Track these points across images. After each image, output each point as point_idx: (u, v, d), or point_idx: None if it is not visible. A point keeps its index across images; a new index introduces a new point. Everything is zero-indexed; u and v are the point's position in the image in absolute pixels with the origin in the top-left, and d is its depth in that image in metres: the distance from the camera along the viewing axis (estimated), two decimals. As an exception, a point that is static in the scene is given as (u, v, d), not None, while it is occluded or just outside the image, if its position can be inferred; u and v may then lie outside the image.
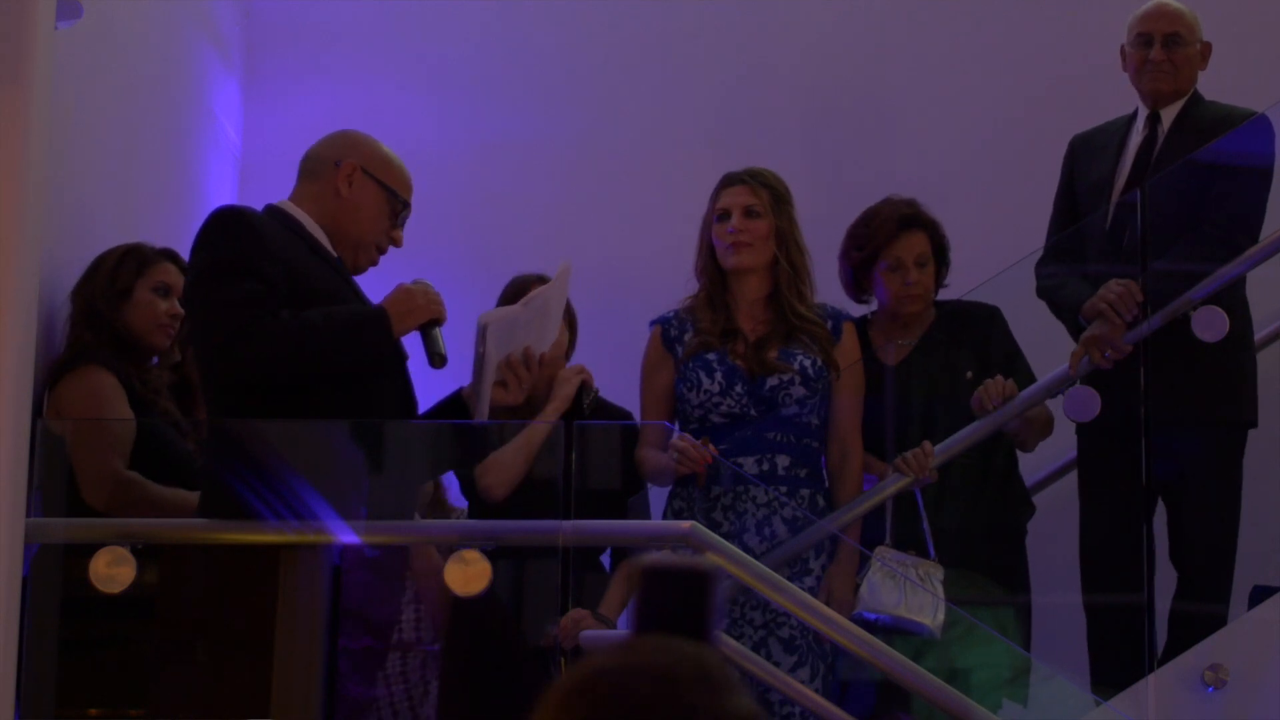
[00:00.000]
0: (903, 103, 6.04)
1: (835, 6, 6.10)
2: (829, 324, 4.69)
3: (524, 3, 6.13)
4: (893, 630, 4.40)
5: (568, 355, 4.74)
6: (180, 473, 4.25)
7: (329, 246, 3.98)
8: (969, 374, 4.75)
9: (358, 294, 4.00)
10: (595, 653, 1.69)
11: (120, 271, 4.40)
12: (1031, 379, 4.73)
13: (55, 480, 4.01)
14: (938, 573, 4.48)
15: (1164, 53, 4.89)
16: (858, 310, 4.94)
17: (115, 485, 4.18)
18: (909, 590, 4.43)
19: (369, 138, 4.11)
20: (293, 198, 4.04)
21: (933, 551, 4.53)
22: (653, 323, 4.76)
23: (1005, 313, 4.85)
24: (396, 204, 4.03)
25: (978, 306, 4.86)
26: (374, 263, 4.07)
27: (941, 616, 4.41)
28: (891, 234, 4.81)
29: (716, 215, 4.69)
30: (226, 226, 3.86)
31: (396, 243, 4.06)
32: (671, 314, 4.74)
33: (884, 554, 4.49)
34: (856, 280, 4.88)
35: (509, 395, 3.94)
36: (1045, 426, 4.79)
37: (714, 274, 4.71)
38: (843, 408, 4.67)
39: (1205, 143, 4.79)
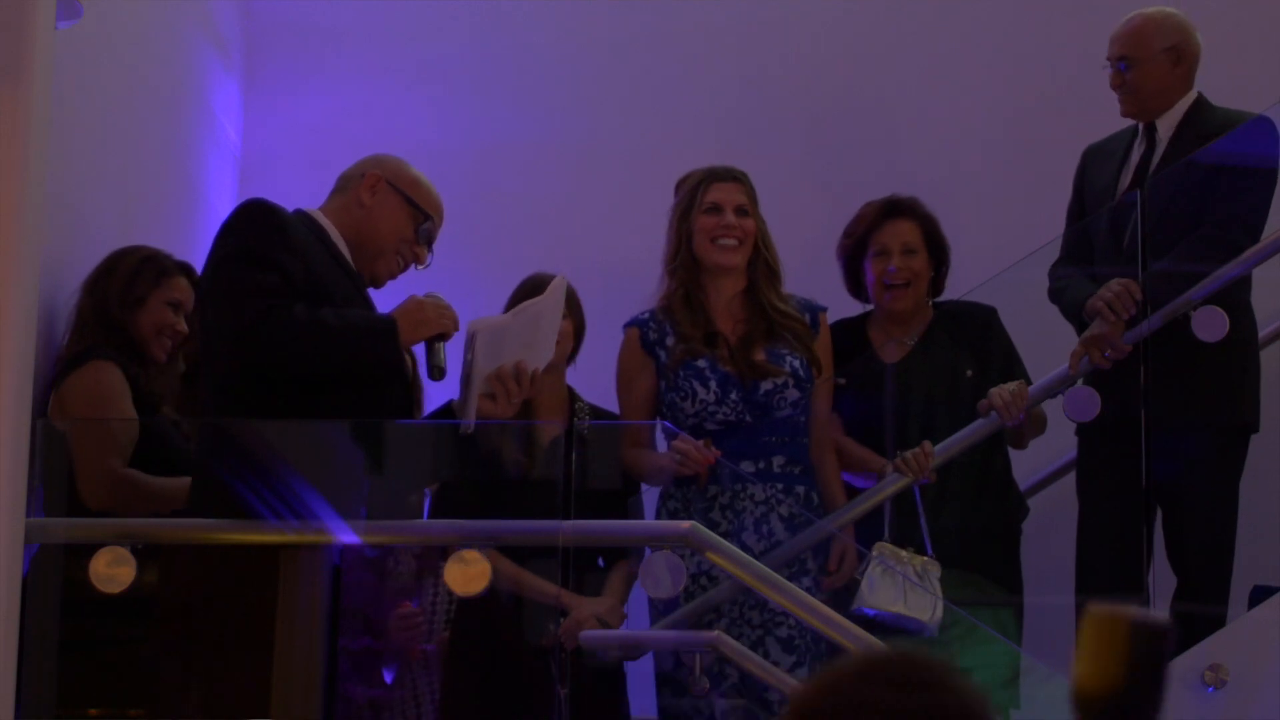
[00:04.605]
0: (904, 104, 6.04)
1: (837, 8, 6.10)
2: (806, 317, 4.70)
3: (524, 3, 6.13)
4: (892, 628, 4.41)
5: (572, 357, 4.74)
6: (181, 473, 4.25)
7: (349, 259, 4.02)
8: (969, 373, 4.75)
9: (370, 307, 4.02)
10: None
11: (139, 278, 4.43)
12: (1026, 379, 4.74)
13: (56, 480, 4.01)
14: (935, 570, 4.49)
15: (1119, 76, 4.86)
16: (852, 308, 4.95)
17: (112, 485, 4.19)
18: (908, 587, 4.43)
19: (400, 159, 4.18)
20: (321, 208, 4.09)
21: (930, 549, 4.53)
22: (627, 325, 4.74)
23: (1005, 313, 4.85)
24: (419, 216, 4.06)
25: (975, 307, 4.87)
26: (393, 274, 4.08)
27: (939, 614, 4.42)
28: (877, 221, 4.83)
29: (704, 209, 4.68)
30: (255, 217, 3.90)
31: (419, 259, 4.08)
32: (647, 315, 4.72)
33: (883, 550, 4.50)
34: (850, 274, 4.89)
35: (498, 408, 3.94)
36: (1040, 424, 4.80)
37: (691, 269, 4.69)
38: (820, 406, 4.69)
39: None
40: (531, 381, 3.95)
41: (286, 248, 3.83)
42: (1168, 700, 1.66)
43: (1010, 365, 4.77)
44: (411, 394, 4.10)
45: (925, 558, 4.50)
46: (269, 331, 3.74)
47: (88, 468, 4.18)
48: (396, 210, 4.06)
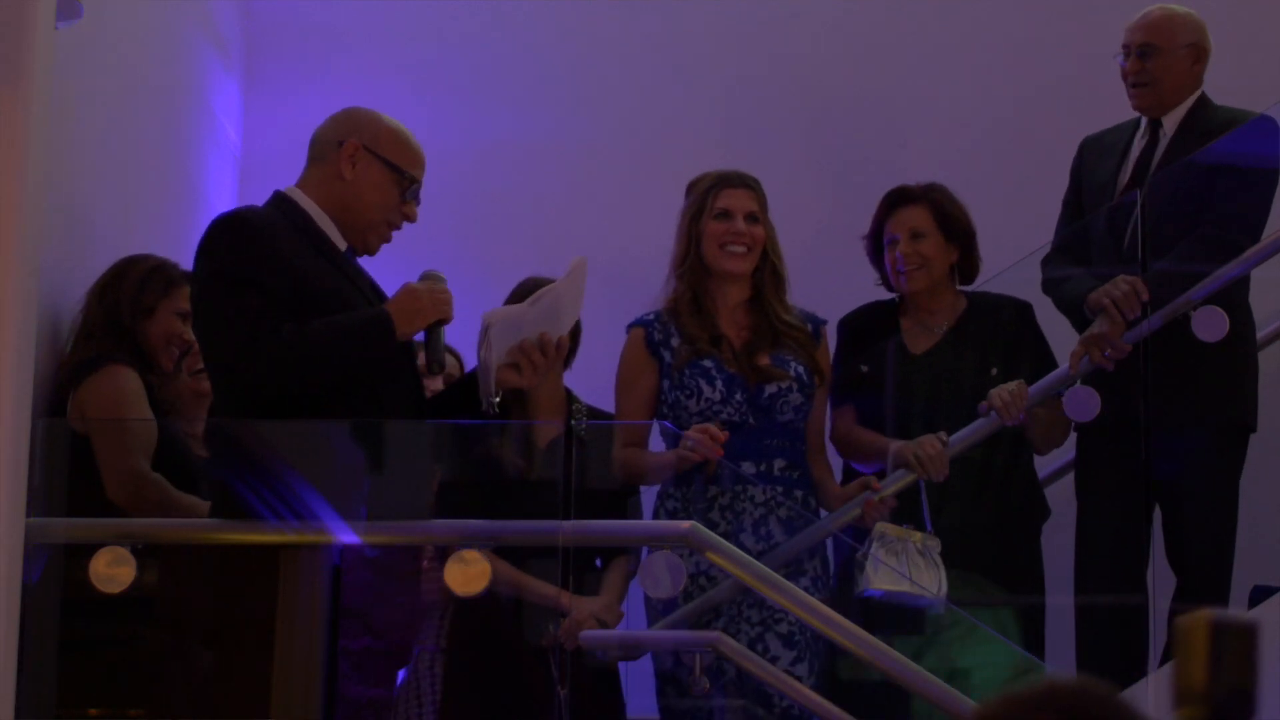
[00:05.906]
0: (906, 104, 6.04)
1: (837, 7, 6.10)
2: (810, 327, 4.70)
3: (524, 3, 6.13)
4: (901, 606, 4.40)
5: (569, 360, 4.73)
6: (195, 478, 4.27)
7: (336, 237, 3.94)
8: (994, 370, 4.72)
9: (362, 291, 3.95)
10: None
11: (148, 287, 4.44)
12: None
13: (57, 480, 4.01)
14: (935, 545, 4.47)
15: (1139, 64, 4.84)
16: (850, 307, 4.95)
17: (140, 484, 4.18)
18: (912, 564, 4.42)
19: (373, 113, 4.05)
20: (300, 183, 3.98)
21: (929, 525, 4.52)
22: (631, 325, 4.73)
23: (1005, 312, 4.85)
24: (404, 180, 3.96)
25: (1008, 301, 4.84)
26: (387, 239, 3.98)
27: (945, 585, 4.42)
28: (886, 211, 4.83)
29: (714, 214, 4.68)
30: (226, 235, 3.82)
31: (410, 218, 3.97)
32: (652, 316, 4.71)
33: (883, 529, 4.48)
34: (879, 266, 4.88)
35: (522, 379, 3.89)
36: (1055, 431, 4.77)
37: (699, 273, 4.70)
38: (819, 415, 4.70)
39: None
40: (557, 349, 3.91)
41: (264, 261, 3.75)
42: (1261, 696, 1.69)
43: (1040, 365, 4.73)
44: (422, 388, 4.08)
45: (924, 533, 4.49)
46: (259, 358, 3.68)
47: (115, 467, 4.18)
48: (381, 179, 3.94)
